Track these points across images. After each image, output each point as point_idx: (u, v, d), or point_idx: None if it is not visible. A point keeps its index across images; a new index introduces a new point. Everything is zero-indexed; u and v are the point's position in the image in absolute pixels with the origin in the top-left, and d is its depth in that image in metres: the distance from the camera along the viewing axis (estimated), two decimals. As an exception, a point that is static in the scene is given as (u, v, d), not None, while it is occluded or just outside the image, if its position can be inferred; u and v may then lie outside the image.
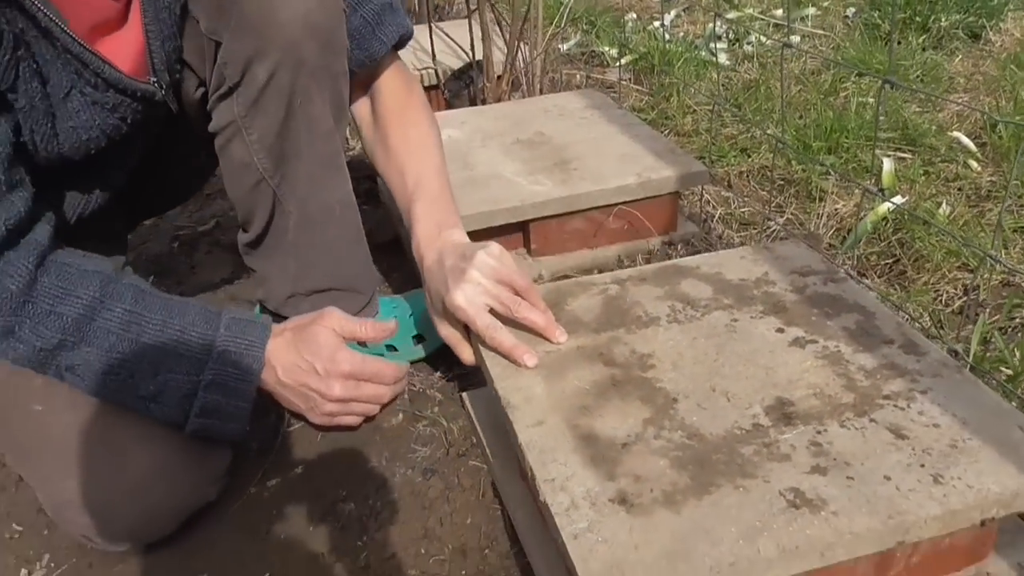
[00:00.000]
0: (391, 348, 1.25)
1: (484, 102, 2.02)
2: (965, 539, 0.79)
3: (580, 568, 0.69)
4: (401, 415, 1.16)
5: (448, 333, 1.04)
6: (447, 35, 2.27)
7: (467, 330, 1.01)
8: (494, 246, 1.01)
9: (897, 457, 0.78)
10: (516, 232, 1.44)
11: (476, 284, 0.96)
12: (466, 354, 1.03)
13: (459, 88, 2.07)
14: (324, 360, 0.97)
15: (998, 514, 0.74)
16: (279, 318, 1.24)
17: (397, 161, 1.14)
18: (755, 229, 1.59)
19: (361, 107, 1.21)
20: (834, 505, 0.73)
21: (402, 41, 1.17)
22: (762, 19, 2.80)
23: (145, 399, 0.91)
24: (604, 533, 0.72)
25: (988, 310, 1.25)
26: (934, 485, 0.75)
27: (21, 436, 0.95)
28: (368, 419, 1.10)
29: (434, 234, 1.06)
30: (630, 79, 2.39)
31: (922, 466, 0.77)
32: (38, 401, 0.93)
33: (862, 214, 1.55)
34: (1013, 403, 0.84)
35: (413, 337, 1.25)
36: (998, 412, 0.83)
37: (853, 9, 2.91)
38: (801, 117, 2.05)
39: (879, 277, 1.44)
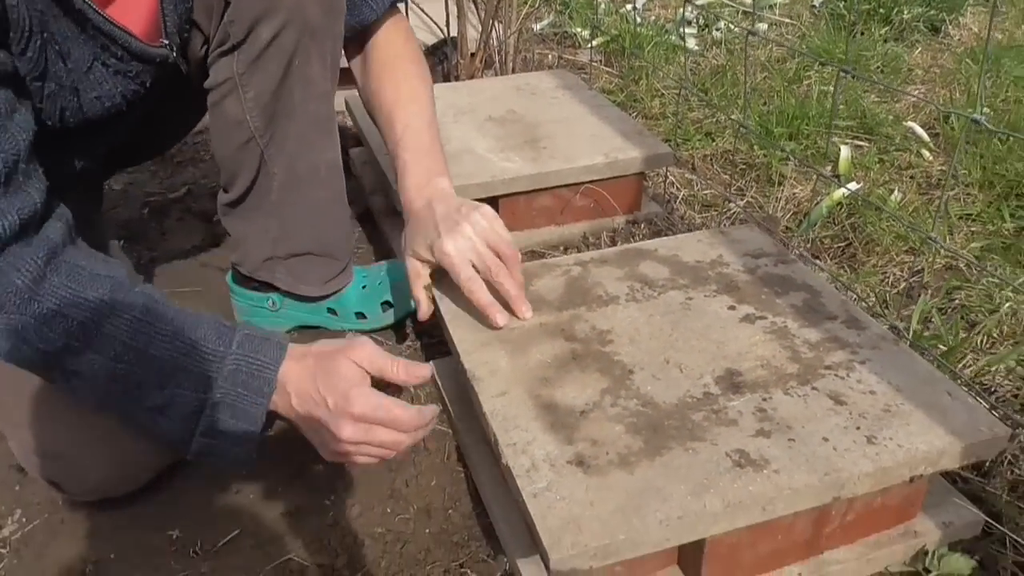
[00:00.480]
0: (360, 315, 1.28)
1: (458, 79, 2.04)
2: (895, 499, 0.85)
3: (539, 524, 0.73)
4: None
5: (416, 272, 1.07)
6: (423, 11, 2.28)
7: (432, 289, 1.06)
8: (488, 209, 1.04)
9: (835, 421, 0.83)
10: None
11: (467, 239, 1.00)
12: (424, 306, 1.06)
13: (433, 64, 2.09)
14: (338, 396, 0.87)
15: (926, 471, 0.80)
16: (253, 282, 1.27)
17: (389, 113, 1.15)
18: (716, 211, 1.64)
19: (358, 61, 1.22)
20: (776, 464, 0.78)
21: (395, 5, 1.19)
22: (731, 6, 2.84)
23: (152, 411, 0.86)
24: (562, 492, 0.76)
25: (930, 291, 1.31)
26: (868, 445, 0.80)
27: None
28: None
29: (423, 181, 1.09)
30: (601, 61, 2.42)
31: (858, 428, 0.82)
32: None
33: (818, 199, 1.61)
34: (945, 374, 0.90)
35: (382, 304, 1.28)
36: (930, 380, 0.88)
37: (820, -1, 2.97)
38: (765, 104, 2.10)
39: (832, 259, 1.49)
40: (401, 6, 1.22)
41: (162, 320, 0.85)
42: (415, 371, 0.93)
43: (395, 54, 1.19)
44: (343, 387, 0.86)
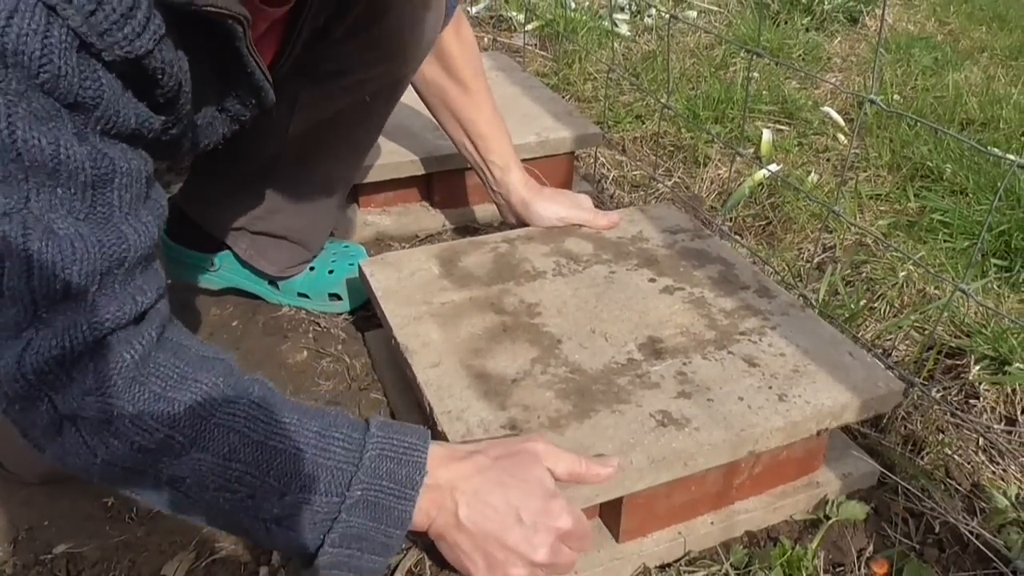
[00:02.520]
0: (303, 295, 1.28)
1: (393, 59, 2.04)
2: (799, 452, 0.90)
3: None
4: (306, 352, 1.21)
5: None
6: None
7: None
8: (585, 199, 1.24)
9: (749, 381, 0.89)
10: (420, 184, 1.49)
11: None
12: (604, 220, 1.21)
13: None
14: (535, 510, 0.70)
15: (830, 425, 0.86)
16: (195, 240, 1.24)
17: (473, 125, 1.25)
18: (644, 191, 1.69)
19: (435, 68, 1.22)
20: (696, 423, 0.83)
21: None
22: (662, -7, 2.90)
23: (267, 521, 0.68)
24: (494, 453, 0.79)
25: (840, 265, 1.38)
26: (779, 403, 0.86)
27: None
28: None
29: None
30: (536, 45, 2.45)
31: (770, 388, 0.88)
32: None
33: (741, 180, 1.67)
34: (848, 338, 0.96)
35: (329, 294, 1.28)
36: (833, 342, 0.95)
37: (747, -12, 3.04)
38: (693, 88, 2.15)
39: (753, 236, 1.56)
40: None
41: (282, 409, 0.69)
42: (606, 468, 0.76)
43: (472, 71, 1.23)
44: (542, 492, 0.71)
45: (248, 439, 0.66)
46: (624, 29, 2.59)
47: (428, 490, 0.70)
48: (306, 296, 1.28)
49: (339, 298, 1.28)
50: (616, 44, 2.45)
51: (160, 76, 0.63)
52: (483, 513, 0.69)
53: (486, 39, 2.44)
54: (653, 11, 2.75)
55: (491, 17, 2.66)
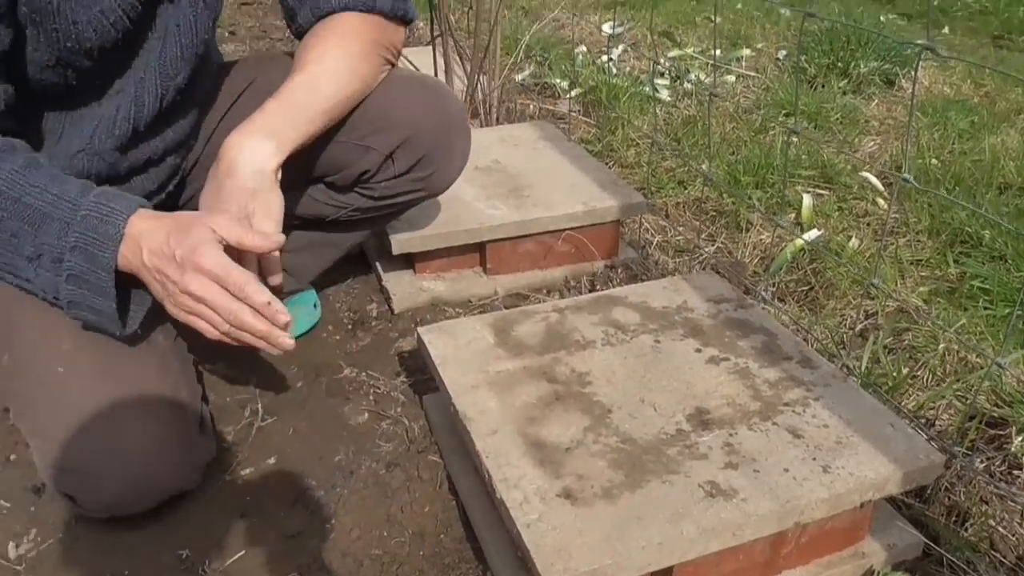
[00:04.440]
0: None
1: (444, 128, 2.12)
2: (844, 522, 0.92)
3: (534, 552, 0.80)
4: (367, 414, 1.26)
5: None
6: (410, 62, 2.37)
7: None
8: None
9: (794, 453, 0.91)
10: (474, 252, 1.55)
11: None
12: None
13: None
14: (187, 250, 0.90)
15: (874, 496, 0.88)
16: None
17: (299, 61, 1.12)
18: (688, 256, 1.73)
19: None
20: (743, 493, 0.86)
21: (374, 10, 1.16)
22: (700, 59, 2.96)
23: (30, 261, 0.93)
24: (553, 522, 0.83)
25: (882, 332, 1.40)
26: (823, 474, 0.88)
27: (36, 393, 1.01)
28: (245, 348, 1.00)
29: (246, 130, 1.03)
30: (579, 111, 2.52)
31: (814, 459, 0.91)
32: (62, 364, 1.00)
33: (783, 245, 1.70)
34: (888, 407, 0.99)
35: None
36: (875, 413, 0.97)
37: (784, 52, 3.10)
38: (733, 153, 2.20)
39: (796, 302, 1.58)
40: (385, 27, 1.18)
41: (37, 175, 0.93)
42: (270, 239, 0.97)
43: (356, 34, 1.14)
44: (192, 242, 0.90)
45: (5, 193, 0.91)
46: (665, 94, 2.66)
47: (126, 240, 0.92)
48: None
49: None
50: (657, 109, 2.52)
51: None
52: (155, 256, 0.92)
53: (532, 106, 2.52)
54: (692, 76, 2.81)
55: (536, 84, 2.75)
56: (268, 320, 0.94)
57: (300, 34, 1.18)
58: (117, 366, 1.02)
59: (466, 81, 2.13)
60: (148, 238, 0.92)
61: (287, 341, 0.97)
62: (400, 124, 1.20)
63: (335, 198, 1.31)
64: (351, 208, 1.32)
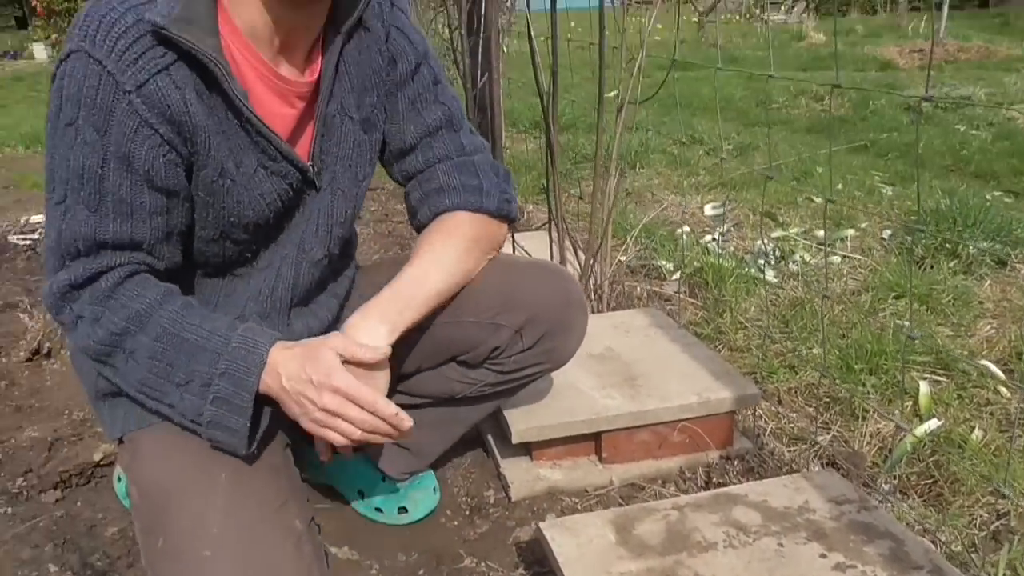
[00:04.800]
0: (360, 493, 1.51)
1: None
2: None
3: None
4: (488, 607, 1.28)
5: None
6: (522, 247, 2.52)
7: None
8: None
9: None
10: (590, 440, 1.60)
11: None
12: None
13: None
14: (320, 375, 1.06)
15: None
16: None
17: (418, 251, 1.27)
18: (804, 444, 1.72)
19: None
20: None
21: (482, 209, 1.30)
22: (805, 241, 3.03)
23: (179, 386, 1.06)
24: None
25: (1017, 538, 1.34)
26: None
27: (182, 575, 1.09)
28: (357, 448, 1.21)
29: (364, 313, 1.18)
30: (686, 292, 2.60)
31: None
32: (210, 548, 1.08)
33: (901, 435, 1.68)
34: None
35: (398, 508, 1.50)
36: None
37: (889, 232, 3.13)
38: (843, 336, 2.21)
39: (919, 497, 1.54)
40: (497, 231, 1.33)
41: (193, 315, 1.08)
42: (374, 349, 1.12)
43: (464, 231, 1.28)
44: (324, 368, 1.06)
45: (167, 329, 1.06)
46: (770, 275, 2.71)
47: (267, 368, 1.07)
48: (380, 511, 1.48)
49: (406, 511, 1.47)
50: (763, 290, 2.57)
51: (167, 108, 1.00)
52: (293, 380, 1.07)
53: (639, 288, 2.61)
54: (797, 257, 2.87)
55: (642, 266, 2.86)
56: (395, 427, 1.10)
57: (419, 228, 1.34)
58: (257, 550, 1.10)
59: (579, 267, 2.24)
60: (286, 366, 1.07)
61: (407, 424, 1.11)
62: (527, 303, 1.33)
63: (467, 375, 1.41)
64: (481, 384, 1.41)
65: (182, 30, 0.98)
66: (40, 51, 15.00)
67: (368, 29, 1.21)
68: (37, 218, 3.61)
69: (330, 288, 1.36)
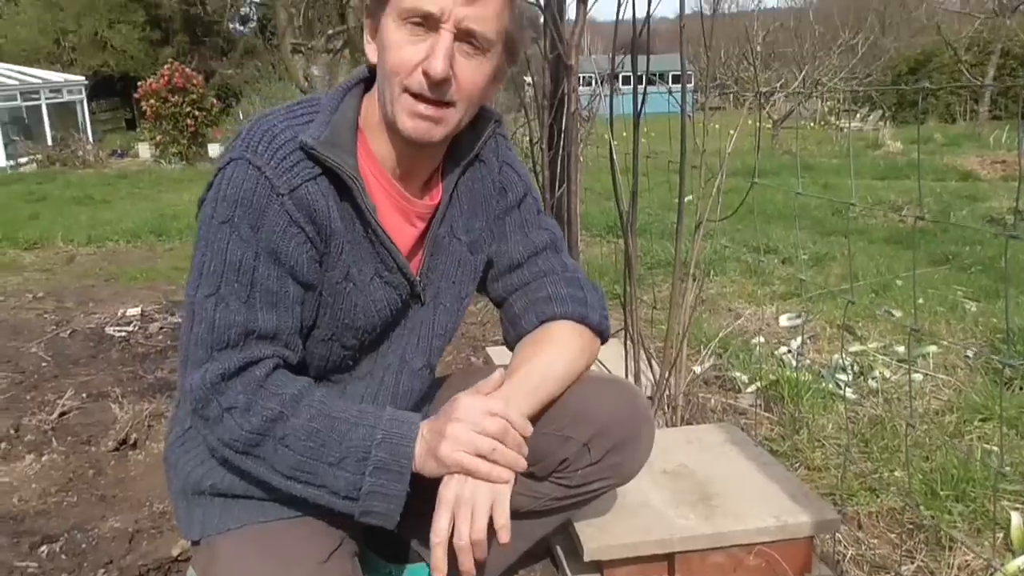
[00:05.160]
0: None
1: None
2: None
3: None
4: None
5: None
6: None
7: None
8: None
9: None
10: (662, 560, 1.56)
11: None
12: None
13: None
14: (474, 413, 1.13)
15: None
16: (396, 544, 1.47)
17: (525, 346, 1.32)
18: (887, 574, 1.65)
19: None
20: None
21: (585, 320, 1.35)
22: (884, 357, 2.96)
23: (332, 465, 1.11)
24: None
25: None
26: None
27: None
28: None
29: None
30: (761, 406, 2.55)
31: None
32: None
33: (992, 571, 1.59)
34: None
35: None
36: None
37: (973, 350, 3.04)
38: (928, 459, 2.13)
39: (1014, 640, 1.45)
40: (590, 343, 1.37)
41: (340, 399, 1.17)
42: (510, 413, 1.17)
43: (571, 339, 1.33)
44: (473, 408, 1.14)
45: (320, 411, 1.12)
46: (849, 391, 2.65)
47: (420, 439, 1.13)
48: None
49: None
50: (842, 407, 2.51)
51: (313, 211, 1.11)
52: (435, 433, 1.13)
53: (713, 400, 2.58)
54: (877, 374, 2.80)
55: (716, 377, 2.83)
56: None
57: (520, 336, 1.36)
58: None
59: (653, 378, 2.24)
60: (436, 430, 1.14)
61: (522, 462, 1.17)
62: (595, 416, 1.34)
63: (533, 489, 1.40)
64: (547, 498, 1.41)
65: (328, 150, 1.11)
66: (144, 150, 16.06)
67: (483, 161, 1.32)
68: (133, 311, 3.81)
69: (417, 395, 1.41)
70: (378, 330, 1.27)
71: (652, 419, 1.42)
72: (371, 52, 1.18)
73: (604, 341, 1.39)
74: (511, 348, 1.38)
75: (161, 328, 3.57)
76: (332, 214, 1.14)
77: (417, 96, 1.10)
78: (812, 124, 17.87)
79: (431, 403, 1.45)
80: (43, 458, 2.32)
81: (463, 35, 1.09)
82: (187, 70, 16.03)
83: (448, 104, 1.12)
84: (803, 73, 15.41)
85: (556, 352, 1.30)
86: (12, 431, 2.48)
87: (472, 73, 1.12)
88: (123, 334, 3.50)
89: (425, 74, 1.08)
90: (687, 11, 1.94)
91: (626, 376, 2.25)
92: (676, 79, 2.30)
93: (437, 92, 1.10)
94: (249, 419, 1.11)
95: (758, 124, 2.39)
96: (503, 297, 1.40)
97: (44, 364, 3.13)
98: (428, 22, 1.08)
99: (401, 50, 1.09)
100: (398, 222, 1.23)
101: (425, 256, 1.27)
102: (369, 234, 1.19)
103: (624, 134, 2.20)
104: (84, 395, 2.80)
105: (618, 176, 2.13)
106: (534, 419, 1.24)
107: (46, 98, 17.83)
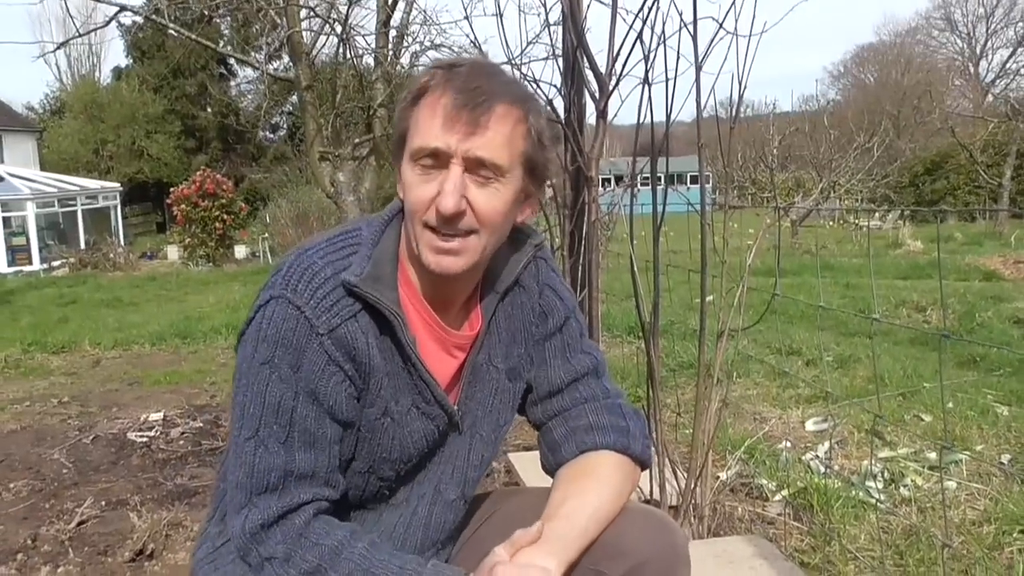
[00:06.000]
0: None
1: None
2: None
3: None
4: None
5: None
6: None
7: None
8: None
9: None
10: None
11: None
12: None
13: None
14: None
15: None
16: None
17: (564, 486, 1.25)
18: None
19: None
20: None
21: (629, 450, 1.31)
22: (915, 464, 2.88)
23: None
24: None
25: None
26: None
27: None
28: None
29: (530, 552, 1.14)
30: (790, 515, 2.48)
31: None
32: None
33: None
34: None
35: None
36: None
37: (1008, 456, 2.96)
38: (966, 573, 2.05)
39: None
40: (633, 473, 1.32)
41: (380, 552, 1.11)
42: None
43: (613, 473, 1.26)
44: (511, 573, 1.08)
45: (359, 565, 1.09)
46: (880, 499, 2.58)
47: None
48: None
49: None
50: (873, 517, 2.43)
51: (353, 350, 1.10)
52: None
53: (740, 509, 2.52)
54: (909, 481, 2.73)
55: (743, 485, 2.76)
56: None
57: (559, 464, 1.31)
58: None
59: (677, 487, 2.19)
60: None
61: None
62: (631, 552, 1.27)
63: None
64: None
65: (370, 287, 1.11)
66: (173, 252, 16.47)
67: (523, 287, 1.30)
68: (155, 416, 3.82)
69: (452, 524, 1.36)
70: (414, 461, 1.25)
71: (689, 559, 1.34)
72: (400, 190, 1.19)
73: (645, 469, 1.35)
74: (548, 473, 1.34)
75: (183, 433, 3.57)
76: (372, 351, 1.13)
77: (435, 230, 1.11)
78: (831, 223, 18.01)
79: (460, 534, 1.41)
80: (59, 570, 2.29)
81: (473, 165, 1.10)
82: (218, 176, 16.62)
83: (469, 233, 1.12)
84: (822, 183, 15.61)
85: (599, 490, 1.25)
86: (30, 541, 2.46)
87: (488, 200, 1.12)
88: (144, 439, 3.50)
89: (436, 210, 1.10)
90: (704, 115, 1.98)
91: (651, 485, 2.21)
92: (694, 180, 2.35)
93: (451, 226, 1.11)
94: (288, 570, 1.09)
95: (778, 237, 2.40)
96: (542, 421, 1.35)
97: (65, 471, 3.13)
98: (438, 159, 1.10)
99: (416, 189, 1.11)
100: (437, 354, 1.22)
101: (463, 385, 1.25)
102: (408, 367, 1.18)
103: (643, 233, 2.21)
104: (103, 503, 2.78)
105: (639, 283, 2.14)
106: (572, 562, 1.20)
107: (82, 204, 18.47)
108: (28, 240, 16.65)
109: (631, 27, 2.08)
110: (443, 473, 1.28)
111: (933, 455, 2.95)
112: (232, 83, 31.11)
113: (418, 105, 1.11)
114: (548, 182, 1.42)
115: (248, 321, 1.14)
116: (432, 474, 1.28)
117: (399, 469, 1.23)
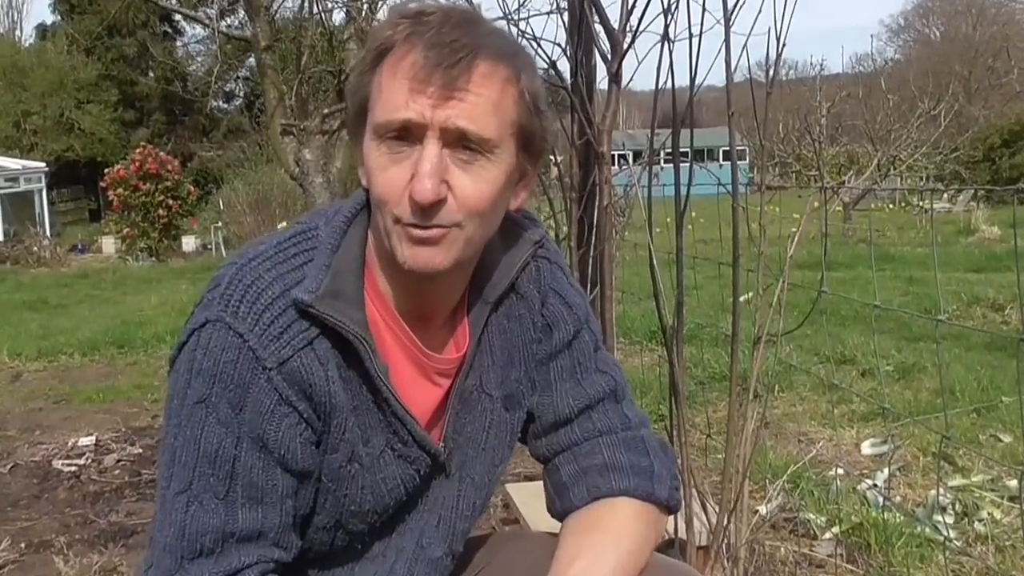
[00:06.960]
0: None
1: (681, 580, 2.14)
2: None
3: None
4: None
5: None
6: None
7: None
8: None
9: None
10: None
11: None
12: None
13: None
14: None
15: None
16: None
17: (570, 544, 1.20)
18: None
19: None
20: None
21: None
22: (992, 494, 2.87)
23: None
24: None
25: None
26: None
27: None
28: None
29: None
30: (843, 556, 2.47)
31: None
32: None
33: None
34: None
35: None
36: None
37: (1103, 483, 2.95)
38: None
39: None
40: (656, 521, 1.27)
41: None
42: None
43: (633, 529, 1.21)
44: None
45: None
46: (951, 535, 2.57)
47: None
48: None
49: None
50: (942, 557, 2.42)
51: (309, 386, 1.05)
52: None
53: (783, 549, 2.50)
54: (984, 514, 2.71)
55: (787, 520, 2.75)
56: None
57: (566, 511, 1.26)
58: None
59: (707, 523, 2.18)
60: None
61: None
62: None
63: None
64: None
65: (328, 306, 1.03)
66: (109, 245, 16.48)
67: (521, 295, 1.22)
68: (86, 440, 3.82)
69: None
70: (391, 511, 1.19)
71: None
72: (362, 176, 1.11)
73: (673, 514, 1.32)
74: (556, 518, 1.29)
75: (118, 461, 3.57)
76: (332, 386, 1.07)
77: (410, 224, 1.03)
78: (891, 206, 18.01)
79: None
80: (-32, 626, 2.27)
81: (453, 139, 1.01)
82: (161, 154, 16.61)
83: (451, 225, 1.03)
84: (879, 159, 15.57)
85: (616, 546, 1.19)
86: (-66, 593, 2.45)
87: (474, 184, 1.03)
88: (73, 468, 3.49)
89: (410, 199, 1.01)
90: (738, 78, 1.96)
91: (675, 521, 2.20)
92: (726, 156, 2.32)
93: (429, 218, 1.02)
94: None
95: (824, 223, 2.36)
96: (547, 457, 1.29)
97: (-23, 507, 3.12)
98: (409, 134, 1.01)
99: (383, 173, 1.03)
100: (416, 382, 1.16)
101: (449, 418, 1.18)
102: (379, 401, 1.11)
103: (667, 220, 2.18)
104: (23, 544, 2.77)
105: (659, 281, 2.12)
106: None
107: (0, 188, 18.45)
108: (-68, 230, 16.69)
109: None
110: (427, 524, 1.22)
111: (1013, 483, 2.94)
112: (178, 43, 31.17)
113: (380, 67, 1.03)
114: (551, 159, 1.38)
115: (180, 346, 1.07)
116: (414, 525, 1.22)
117: (372, 522, 1.17)
